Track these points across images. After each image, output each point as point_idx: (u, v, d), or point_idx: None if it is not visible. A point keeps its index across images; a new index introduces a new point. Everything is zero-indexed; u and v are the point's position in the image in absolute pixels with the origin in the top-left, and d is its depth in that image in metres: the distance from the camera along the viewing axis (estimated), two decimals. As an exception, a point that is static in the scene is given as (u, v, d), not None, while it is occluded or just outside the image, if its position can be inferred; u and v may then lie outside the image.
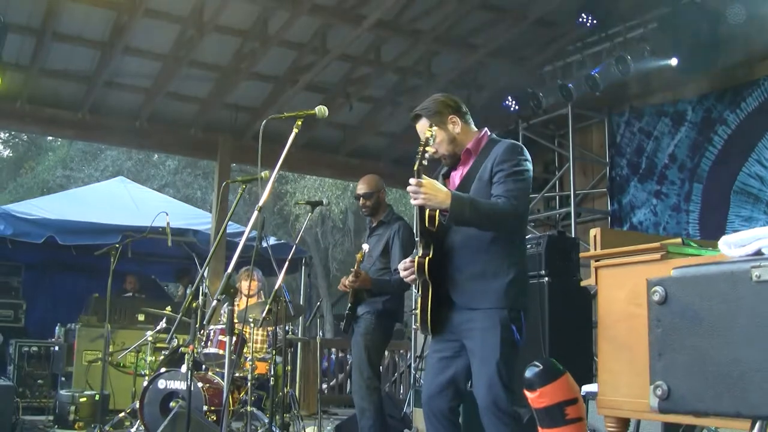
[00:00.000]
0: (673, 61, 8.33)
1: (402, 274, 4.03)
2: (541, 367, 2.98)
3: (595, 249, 3.11)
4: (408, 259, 3.97)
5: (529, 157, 3.94)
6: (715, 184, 8.69)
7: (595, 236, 3.13)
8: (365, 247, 6.11)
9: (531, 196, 9.62)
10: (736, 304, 1.53)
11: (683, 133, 9.11)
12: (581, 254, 3.15)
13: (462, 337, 3.87)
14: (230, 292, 3.91)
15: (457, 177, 4.08)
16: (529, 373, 2.99)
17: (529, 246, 6.50)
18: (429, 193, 3.66)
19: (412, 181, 3.67)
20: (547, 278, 6.54)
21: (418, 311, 3.95)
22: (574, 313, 6.58)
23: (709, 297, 1.56)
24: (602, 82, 8.79)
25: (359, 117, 11.32)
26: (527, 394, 3.03)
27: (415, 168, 3.69)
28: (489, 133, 4.10)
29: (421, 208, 3.81)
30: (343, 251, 24.96)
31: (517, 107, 9.93)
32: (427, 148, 3.72)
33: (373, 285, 6.01)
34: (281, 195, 24.35)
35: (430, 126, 3.94)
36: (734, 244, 1.73)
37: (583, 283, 3.17)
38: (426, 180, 3.69)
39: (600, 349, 3.00)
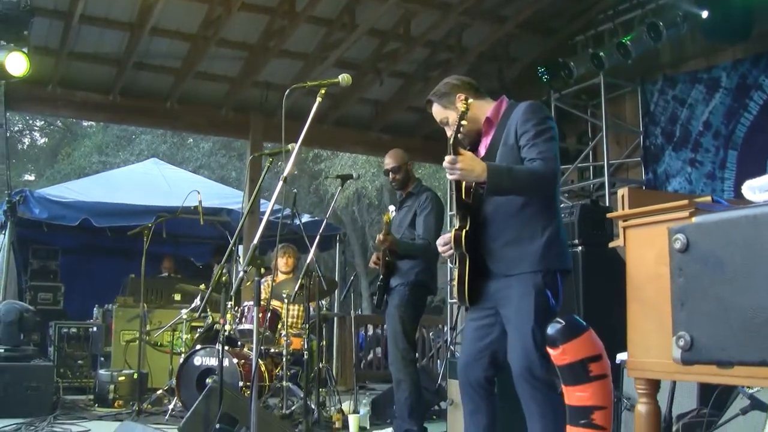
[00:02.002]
0: (704, 13, 8.17)
1: (440, 249, 4.02)
2: (564, 323, 2.93)
3: (623, 209, 3.06)
4: (444, 235, 3.95)
5: (550, 113, 3.91)
6: (751, 150, 8.53)
7: (623, 196, 3.08)
8: (392, 208, 6.13)
9: (565, 167, 9.68)
10: (760, 249, 1.47)
11: (718, 99, 8.94)
12: (609, 214, 3.09)
13: (498, 305, 3.85)
14: (256, 264, 3.89)
15: (482, 148, 4.04)
16: (551, 330, 2.94)
17: (562, 215, 6.44)
18: (465, 168, 3.63)
19: (447, 157, 3.64)
20: (580, 248, 6.47)
21: (455, 283, 3.92)
22: (608, 283, 6.50)
23: (732, 243, 1.50)
24: (634, 51, 8.65)
25: (390, 92, 11.26)
26: (550, 351, 2.99)
27: (450, 142, 3.66)
28: (508, 100, 4.06)
29: (457, 182, 3.80)
30: (380, 229, 24.92)
31: (548, 78, 9.81)
32: (462, 122, 3.70)
33: (398, 246, 6.05)
34: (316, 174, 24.41)
35: (445, 107, 4.02)
36: (759, 189, 1.67)
37: (611, 245, 3.11)
38: (462, 154, 3.66)
39: (629, 311, 2.95)
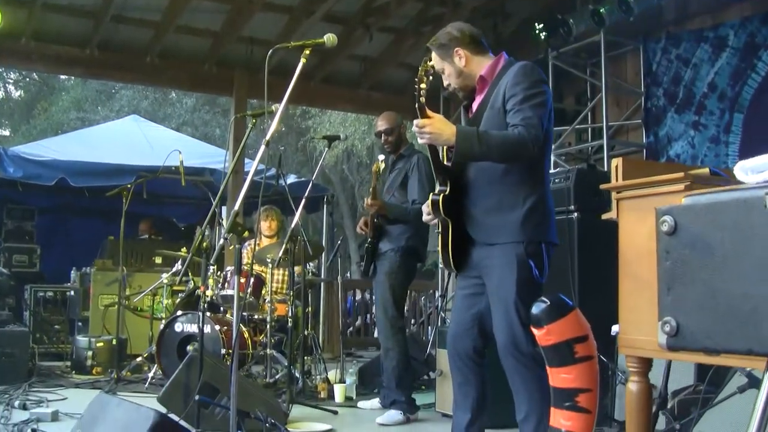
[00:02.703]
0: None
1: (424, 218, 4.05)
2: (549, 302, 2.94)
3: (617, 180, 3.06)
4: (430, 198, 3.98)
5: (544, 77, 3.88)
6: (758, 113, 8.51)
7: (616, 167, 3.07)
8: (381, 157, 6.13)
9: (562, 128, 9.67)
10: (750, 233, 1.47)
11: (724, 59, 8.91)
12: (601, 186, 3.08)
13: (482, 274, 3.88)
14: (237, 230, 3.88)
15: (474, 107, 4.03)
16: (535, 309, 2.95)
17: (557, 180, 6.43)
18: (434, 131, 3.66)
19: (416, 121, 3.68)
20: (576, 214, 6.43)
21: (439, 249, 3.96)
22: (605, 252, 6.49)
23: (721, 227, 1.51)
24: (636, 7, 8.61)
25: (380, 48, 11.19)
26: (534, 331, 3.00)
27: (416, 106, 3.68)
28: (506, 58, 4.03)
29: (434, 146, 3.83)
30: (369, 189, 24.91)
31: (546, 35, 9.76)
32: (421, 85, 3.71)
33: (389, 211, 6.10)
34: (303, 131, 24.33)
35: (442, 59, 4.01)
36: (751, 170, 1.67)
37: (604, 216, 3.11)
38: (430, 118, 3.69)
39: (621, 287, 2.96)
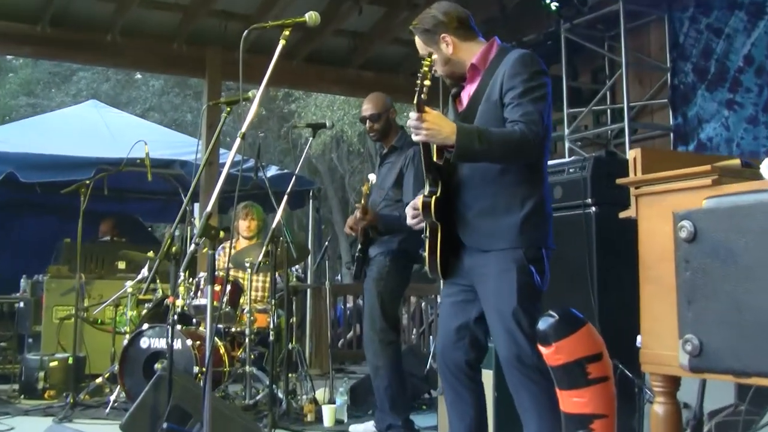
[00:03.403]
0: None
1: (409, 222, 4.07)
2: (557, 316, 2.95)
3: (635, 174, 3.07)
4: (414, 201, 3.99)
5: (545, 68, 3.93)
6: (801, 89, 8.54)
7: (635, 158, 3.08)
8: (372, 177, 6.13)
9: (578, 110, 9.68)
10: (779, 240, 1.48)
11: (762, 28, 8.89)
12: (618, 180, 3.09)
13: (474, 283, 3.92)
14: (211, 234, 3.89)
15: (465, 98, 4.08)
16: (542, 325, 2.96)
17: (571, 169, 6.44)
18: (432, 128, 3.68)
19: (412, 115, 3.70)
20: (593, 208, 6.43)
21: (426, 254, 4.00)
22: (627, 251, 6.48)
23: (746, 232, 1.52)
24: (660, -30, 8.62)
25: (371, 23, 11.16)
26: (541, 349, 3.01)
27: (415, 102, 3.69)
28: (499, 43, 4.07)
29: (426, 143, 3.85)
30: (362, 180, 24.95)
31: (557, 5, 9.76)
32: (425, 82, 3.71)
33: (381, 223, 6.04)
34: (286, 116, 24.31)
35: (426, 44, 4.06)
36: (780, 168, 1.67)
37: (622, 215, 3.13)
38: (429, 113, 3.70)
39: (642, 293, 2.96)
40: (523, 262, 3.77)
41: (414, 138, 3.80)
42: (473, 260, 3.91)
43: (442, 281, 4.15)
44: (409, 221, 4.09)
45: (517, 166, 3.85)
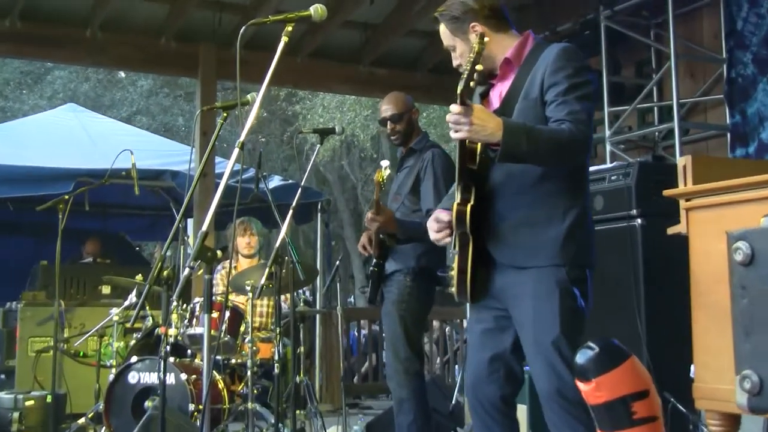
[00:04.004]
0: None
1: (433, 237, 4.05)
2: (597, 348, 2.95)
3: (685, 184, 3.07)
4: (437, 212, 3.98)
5: (588, 64, 3.92)
6: None
7: (684, 166, 3.09)
8: (385, 163, 5.99)
9: (620, 108, 9.69)
10: None
11: (833, 11, 8.92)
12: (665, 192, 3.08)
13: (508, 306, 3.91)
14: (207, 257, 3.91)
15: (495, 97, 4.08)
16: (581, 359, 2.96)
17: (613, 177, 6.45)
18: (477, 123, 3.61)
19: (454, 108, 3.62)
20: (639, 220, 6.44)
21: (454, 273, 3.95)
22: (679, 267, 6.45)
23: (811, 255, 1.53)
24: (714, -52, 8.63)
25: (384, 13, 11.15)
26: (580, 385, 3.01)
27: (459, 91, 3.61)
28: (534, 37, 4.07)
29: (463, 142, 3.81)
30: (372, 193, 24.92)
31: (597, -11, 9.79)
32: (477, 66, 3.65)
33: (398, 227, 6.03)
34: (290, 118, 24.35)
35: (453, 34, 4.06)
36: None
37: (670, 231, 3.14)
38: (474, 106, 3.66)
39: (695, 321, 2.97)
40: (567, 284, 3.76)
41: (453, 135, 3.71)
42: (506, 279, 3.90)
43: (468, 305, 4.14)
44: (433, 236, 4.06)
45: (557, 173, 3.84)
